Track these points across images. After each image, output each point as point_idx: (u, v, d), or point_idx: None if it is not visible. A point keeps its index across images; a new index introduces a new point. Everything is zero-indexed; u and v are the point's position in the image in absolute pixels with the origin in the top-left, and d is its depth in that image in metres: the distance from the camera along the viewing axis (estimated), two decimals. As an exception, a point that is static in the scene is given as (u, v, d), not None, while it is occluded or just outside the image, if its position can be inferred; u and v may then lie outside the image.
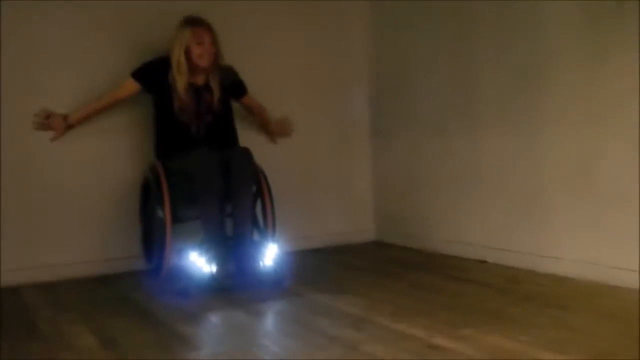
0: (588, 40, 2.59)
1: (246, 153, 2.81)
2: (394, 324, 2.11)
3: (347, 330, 2.09)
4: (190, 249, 2.61)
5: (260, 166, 2.92)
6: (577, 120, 2.65)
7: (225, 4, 3.30)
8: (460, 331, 2.00)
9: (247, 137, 3.17)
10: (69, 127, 2.99)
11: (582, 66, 2.62)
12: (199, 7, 2.98)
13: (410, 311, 2.27)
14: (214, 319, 2.34)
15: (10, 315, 2.43)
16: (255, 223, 2.85)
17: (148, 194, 2.92)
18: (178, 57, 2.85)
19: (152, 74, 2.93)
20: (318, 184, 3.66)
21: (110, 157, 3.12)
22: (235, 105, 3.17)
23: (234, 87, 3.12)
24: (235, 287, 2.62)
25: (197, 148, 2.79)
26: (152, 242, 2.87)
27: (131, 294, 2.68)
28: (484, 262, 3.06)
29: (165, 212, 2.70)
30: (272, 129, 3.44)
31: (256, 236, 2.85)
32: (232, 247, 2.68)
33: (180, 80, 2.87)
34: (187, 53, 2.85)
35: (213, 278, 2.57)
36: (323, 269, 3.12)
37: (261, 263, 2.65)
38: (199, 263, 2.57)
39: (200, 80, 2.96)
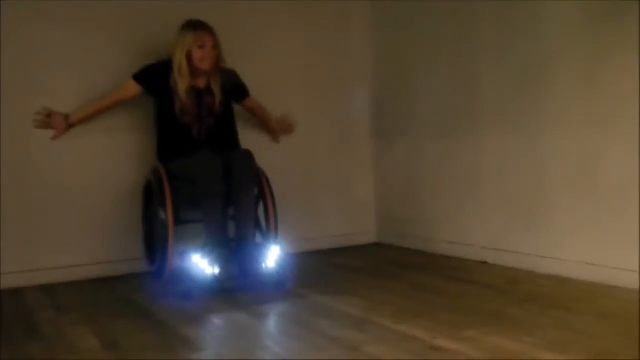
0: (588, 40, 2.59)
1: (248, 155, 2.81)
2: (395, 325, 2.12)
3: (349, 331, 2.09)
4: (192, 251, 2.62)
5: (262, 168, 2.92)
6: (577, 121, 2.65)
7: (225, 4, 3.30)
8: (462, 332, 2.01)
9: (248, 139, 3.17)
10: (70, 126, 2.99)
11: (582, 66, 2.62)
12: (199, 7, 2.98)
13: (412, 312, 2.28)
14: (217, 321, 2.34)
15: (11, 317, 2.43)
16: (257, 225, 2.86)
17: (151, 196, 2.92)
18: (180, 61, 2.86)
19: (154, 77, 2.94)
20: (319, 185, 3.66)
21: (112, 157, 3.12)
22: (236, 107, 3.17)
23: (236, 90, 3.13)
24: (238, 289, 2.63)
25: (199, 151, 2.79)
26: (155, 244, 2.87)
27: (133, 296, 2.68)
28: (485, 263, 3.06)
29: (167, 214, 2.71)
30: (273, 128, 3.44)
31: (258, 238, 2.86)
32: (234, 250, 2.70)
33: (181, 83, 2.88)
34: (189, 56, 2.86)
35: (215, 280, 2.58)
36: (324, 270, 3.13)
37: (263, 265, 2.66)
38: (202, 265, 2.58)
39: (201, 83, 2.96)
